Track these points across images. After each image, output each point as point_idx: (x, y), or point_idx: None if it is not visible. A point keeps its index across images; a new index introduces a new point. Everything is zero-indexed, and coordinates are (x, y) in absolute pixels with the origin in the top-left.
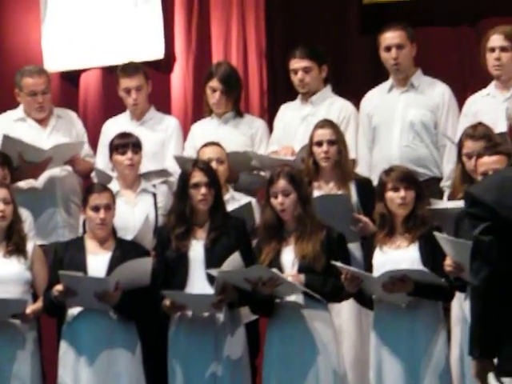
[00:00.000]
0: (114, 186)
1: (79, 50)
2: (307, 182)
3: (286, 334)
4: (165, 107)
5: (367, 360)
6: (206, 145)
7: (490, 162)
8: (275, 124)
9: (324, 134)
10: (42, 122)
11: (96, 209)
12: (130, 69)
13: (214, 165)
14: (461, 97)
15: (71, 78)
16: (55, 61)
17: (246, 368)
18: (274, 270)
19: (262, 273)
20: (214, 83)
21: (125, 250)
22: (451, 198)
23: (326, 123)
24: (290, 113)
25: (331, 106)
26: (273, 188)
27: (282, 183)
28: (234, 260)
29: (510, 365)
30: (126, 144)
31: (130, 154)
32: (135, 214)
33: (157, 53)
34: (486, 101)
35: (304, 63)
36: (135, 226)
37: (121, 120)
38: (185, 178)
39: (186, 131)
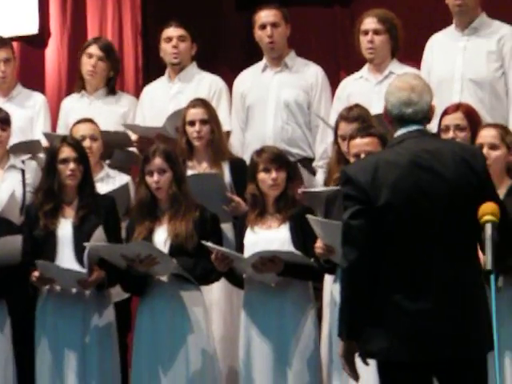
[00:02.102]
0: None
1: None
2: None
3: (156, 313)
4: (38, 83)
5: (237, 338)
6: (78, 121)
7: (361, 143)
8: (141, 104)
9: (196, 113)
10: None
11: None
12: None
13: (87, 142)
14: (334, 78)
15: None
16: None
17: (115, 345)
18: (156, 246)
19: (141, 249)
20: (93, 49)
21: None
22: (327, 178)
23: (199, 102)
24: (157, 91)
25: (200, 82)
26: (148, 166)
27: (157, 161)
28: (98, 236)
29: (369, 346)
30: None
31: None
32: (1, 190)
33: (31, 28)
34: (359, 83)
35: (180, 32)
36: (1, 203)
37: None
38: (53, 153)
39: (59, 108)
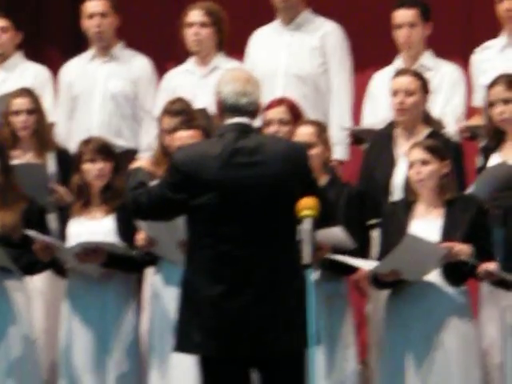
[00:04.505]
0: None
1: None
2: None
3: None
4: None
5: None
6: None
7: (185, 136)
8: None
9: (21, 103)
10: None
11: None
12: None
13: None
14: (160, 71)
15: None
16: None
17: None
18: None
19: None
20: None
21: None
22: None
23: (23, 92)
24: None
25: (24, 71)
26: None
27: None
28: None
29: (186, 340)
30: None
31: None
32: None
33: None
34: (184, 76)
35: (0, 23)
36: None
37: None
38: None
39: None
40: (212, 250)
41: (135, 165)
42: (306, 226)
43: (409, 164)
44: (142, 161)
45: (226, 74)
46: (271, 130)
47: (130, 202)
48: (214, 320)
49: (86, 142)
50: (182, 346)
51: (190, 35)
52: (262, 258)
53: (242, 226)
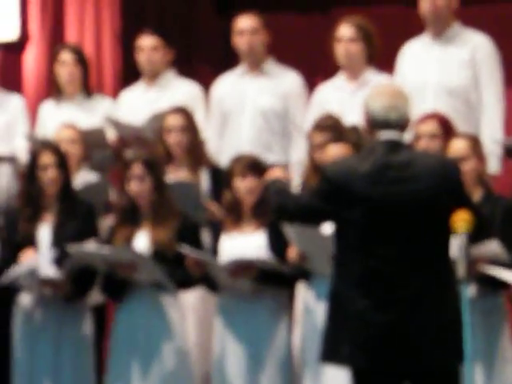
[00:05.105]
0: None
1: None
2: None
3: (134, 317)
4: (16, 89)
5: (211, 343)
6: (60, 127)
7: (335, 151)
8: (117, 109)
9: (175, 121)
10: None
11: None
12: None
13: (67, 146)
14: (310, 86)
15: None
16: None
17: (90, 350)
18: (142, 253)
19: (124, 254)
20: (65, 55)
21: None
22: (304, 187)
23: (177, 110)
24: (133, 97)
25: (177, 89)
26: (128, 173)
27: (137, 169)
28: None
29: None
30: None
31: None
32: None
33: (10, 33)
34: (334, 91)
35: (152, 41)
36: None
37: None
38: (33, 158)
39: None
40: (362, 265)
41: (271, 175)
42: (460, 241)
43: None
44: (277, 171)
45: (375, 89)
46: (422, 144)
47: (274, 206)
48: (363, 333)
49: (238, 159)
50: (330, 356)
51: (340, 50)
52: (414, 274)
53: (394, 241)
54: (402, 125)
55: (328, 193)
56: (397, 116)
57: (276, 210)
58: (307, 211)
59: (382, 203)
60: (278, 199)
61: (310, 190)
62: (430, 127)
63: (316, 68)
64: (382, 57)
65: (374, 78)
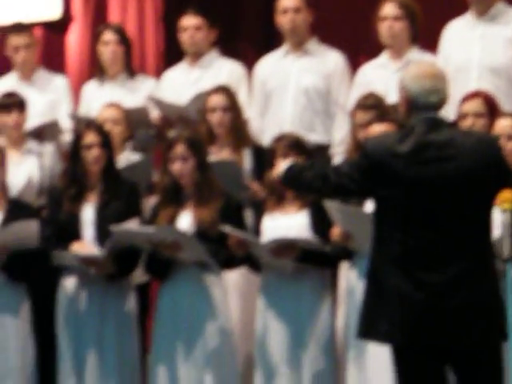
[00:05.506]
0: (2, 143)
1: None
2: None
3: (177, 296)
4: (60, 69)
5: (254, 321)
6: (104, 106)
7: (378, 130)
8: (160, 89)
9: (218, 100)
10: None
11: None
12: (19, 27)
13: (110, 126)
14: (353, 66)
15: None
16: None
17: (134, 329)
18: (186, 232)
19: (168, 234)
20: (108, 35)
21: (15, 211)
22: None
23: (220, 89)
24: (176, 77)
25: (220, 68)
26: (171, 153)
27: (180, 148)
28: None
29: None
30: (11, 104)
31: (14, 114)
32: (18, 174)
33: (53, 13)
34: (378, 70)
35: (195, 21)
36: (17, 187)
37: (9, 80)
38: (77, 138)
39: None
40: (401, 244)
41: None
42: (505, 219)
43: None
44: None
45: (413, 70)
46: (467, 123)
47: (311, 179)
48: (401, 310)
49: (279, 138)
50: (367, 333)
51: (384, 29)
52: (455, 253)
53: (434, 221)
54: (441, 106)
55: (365, 168)
56: (437, 99)
57: (314, 186)
58: (346, 182)
59: (422, 183)
60: (315, 172)
61: (349, 163)
62: (475, 105)
63: (359, 47)
64: (426, 36)
65: (418, 57)
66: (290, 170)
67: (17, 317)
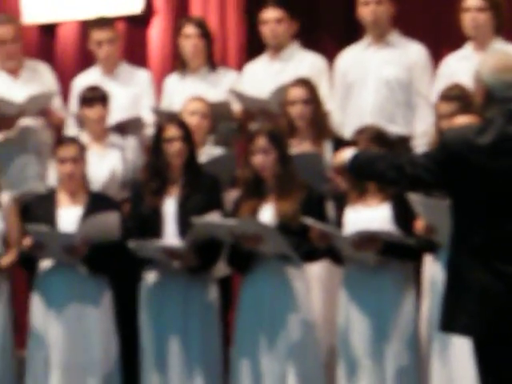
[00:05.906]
0: (84, 138)
1: (57, 3)
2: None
3: (259, 289)
4: (142, 63)
5: (336, 314)
6: (188, 99)
7: (463, 122)
8: (242, 82)
9: (298, 93)
10: (14, 72)
11: (62, 161)
12: (102, 21)
13: (196, 119)
14: (436, 56)
15: (49, 31)
16: (33, 13)
17: (216, 322)
18: (268, 224)
19: (250, 226)
20: (189, 29)
21: (96, 204)
22: None
23: (300, 82)
24: (258, 70)
25: (301, 61)
26: (252, 146)
27: (261, 141)
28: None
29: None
30: (94, 98)
31: (97, 108)
32: (101, 167)
33: (135, 7)
34: (461, 62)
35: (276, 14)
36: (101, 180)
37: (92, 74)
38: (159, 131)
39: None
40: (482, 237)
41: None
42: None
43: None
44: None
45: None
46: None
47: (384, 169)
48: (481, 303)
49: (361, 131)
50: (448, 326)
51: (468, 20)
52: None
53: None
54: None
55: (442, 160)
56: None
57: (391, 177)
58: (423, 173)
59: (504, 174)
60: (392, 163)
61: (425, 154)
62: None
63: (441, 39)
64: (511, 27)
65: (503, 49)
66: (356, 158)
67: (99, 308)
